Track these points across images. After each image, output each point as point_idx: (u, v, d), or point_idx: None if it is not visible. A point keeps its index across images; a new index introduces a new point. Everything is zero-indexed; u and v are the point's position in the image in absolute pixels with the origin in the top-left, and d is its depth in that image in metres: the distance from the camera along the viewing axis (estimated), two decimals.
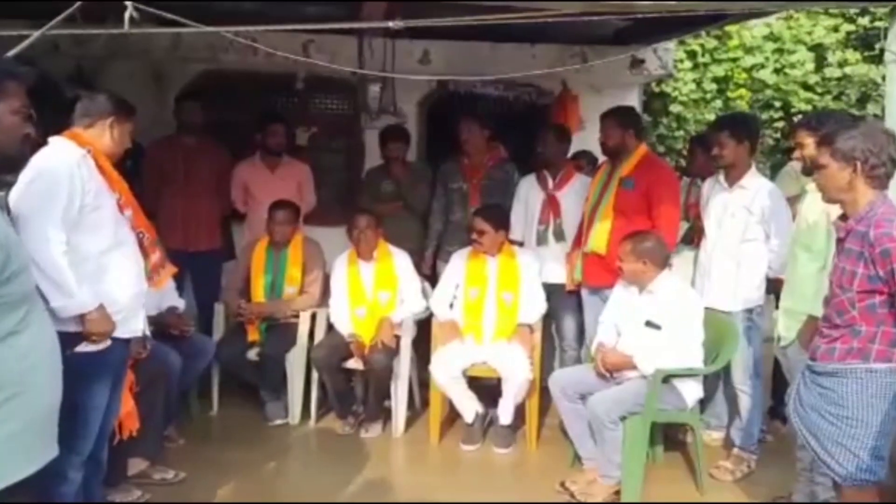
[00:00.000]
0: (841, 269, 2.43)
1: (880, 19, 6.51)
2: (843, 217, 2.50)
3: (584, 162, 4.97)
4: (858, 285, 2.36)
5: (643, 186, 3.99)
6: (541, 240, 4.46)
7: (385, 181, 4.97)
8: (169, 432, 3.94)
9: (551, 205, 4.46)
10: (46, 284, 2.37)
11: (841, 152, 2.44)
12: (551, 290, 4.34)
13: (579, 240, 4.24)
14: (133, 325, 2.79)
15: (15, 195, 2.45)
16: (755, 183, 3.76)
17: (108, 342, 2.59)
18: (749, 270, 3.72)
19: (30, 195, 2.46)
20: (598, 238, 4.05)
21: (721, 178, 3.85)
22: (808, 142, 3.18)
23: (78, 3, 2.59)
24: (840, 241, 2.48)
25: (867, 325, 2.36)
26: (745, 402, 3.78)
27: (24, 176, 2.44)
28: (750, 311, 3.74)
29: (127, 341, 2.76)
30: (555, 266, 4.38)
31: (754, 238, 3.70)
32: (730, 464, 3.78)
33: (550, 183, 4.50)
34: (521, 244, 4.49)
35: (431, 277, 4.73)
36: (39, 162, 2.51)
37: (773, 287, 3.73)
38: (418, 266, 4.74)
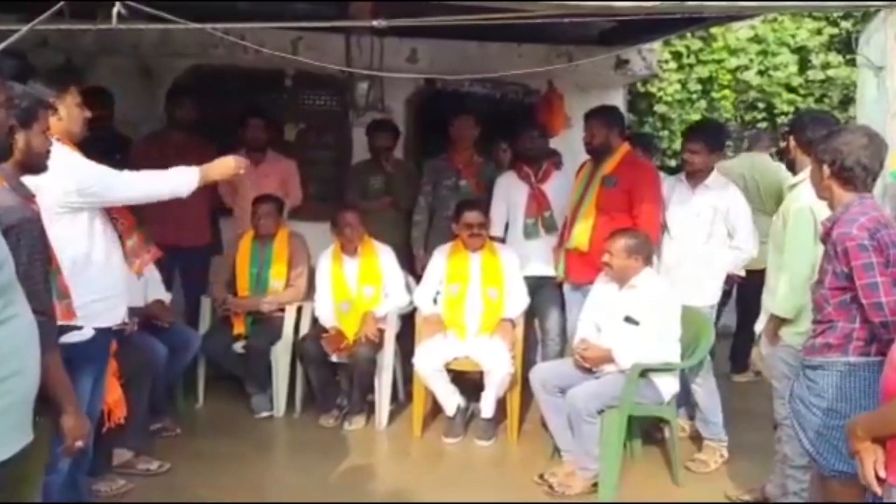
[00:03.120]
0: (821, 267, 2.54)
1: (860, 21, 6.58)
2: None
3: (558, 160, 5.06)
4: (829, 283, 2.46)
5: (626, 184, 4.06)
6: (530, 233, 4.48)
7: (374, 176, 5.01)
8: (164, 423, 3.99)
9: (538, 197, 4.50)
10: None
11: (816, 154, 2.56)
12: (539, 284, 4.41)
13: (562, 236, 4.31)
14: (116, 314, 2.82)
15: None
16: (719, 182, 3.95)
17: (92, 332, 2.63)
18: (712, 268, 3.91)
19: None
20: (581, 235, 4.11)
21: (682, 177, 4.03)
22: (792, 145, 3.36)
23: None
24: (823, 241, 2.55)
25: (843, 320, 2.44)
26: (700, 394, 3.90)
27: None
28: (711, 307, 3.94)
29: (109, 330, 2.80)
30: (542, 259, 4.42)
31: (716, 237, 3.89)
32: (704, 455, 3.87)
33: (533, 177, 4.57)
34: (501, 241, 4.54)
35: (415, 272, 4.77)
36: None
37: (729, 282, 3.98)
38: (407, 262, 4.79)
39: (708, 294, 3.92)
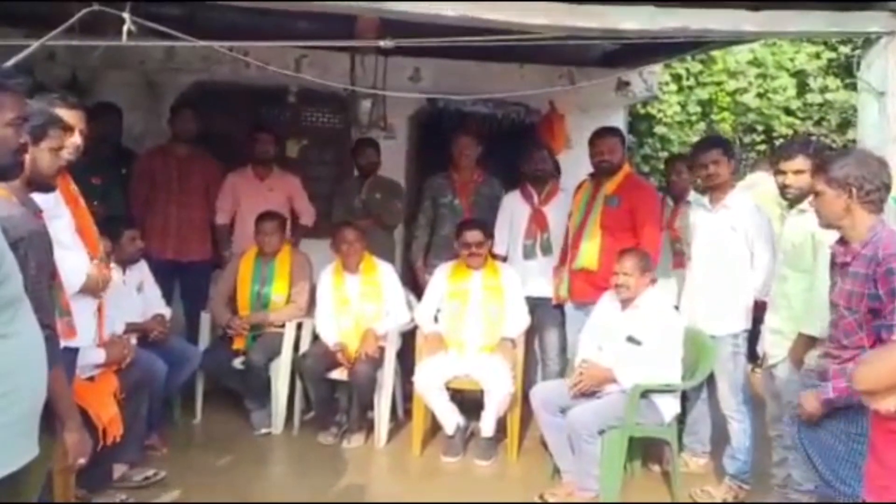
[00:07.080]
0: (848, 291, 2.48)
1: (860, 47, 6.65)
2: (842, 241, 2.56)
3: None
4: (865, 306, 2.42)
5: (628, 204, 4.09)
6: (528, 254, 4.51)
7: (357, 195, 5.03)
8: (153, 440, 3.95)
9: (537, 219, 4.53)
10: None
11: (836, 180, 2.50)
12: (536, 304, 4.42)
13: (565, 256, 4.31)
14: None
15: None
16: (737, 201, 3.71)
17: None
18: (735, 294, 3.64)
19: None
20: (589, 255, 4.11)
21: (705, 200, 3.81)
22: (805, 167, 3.11)
23: (78, 15, 2.65)
24: (845, 265, 2.51)
25: (873, 346, 2.39)
26: (735, 428, 3.68)
27: None
28: (736, 335, 3.67)
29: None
30: (541, 280, 4.44)
31: (740, 259, 3.63)
32: (715, 490, 3.70)
33: (536, 198, 4.59)
34: (504, 259, 4.56)
35: (416, 290, 4.79)
36: None
37: (755, 310, 3.64)
38: (408, 279, 4.79)
39: (729, 322, 3.64)
